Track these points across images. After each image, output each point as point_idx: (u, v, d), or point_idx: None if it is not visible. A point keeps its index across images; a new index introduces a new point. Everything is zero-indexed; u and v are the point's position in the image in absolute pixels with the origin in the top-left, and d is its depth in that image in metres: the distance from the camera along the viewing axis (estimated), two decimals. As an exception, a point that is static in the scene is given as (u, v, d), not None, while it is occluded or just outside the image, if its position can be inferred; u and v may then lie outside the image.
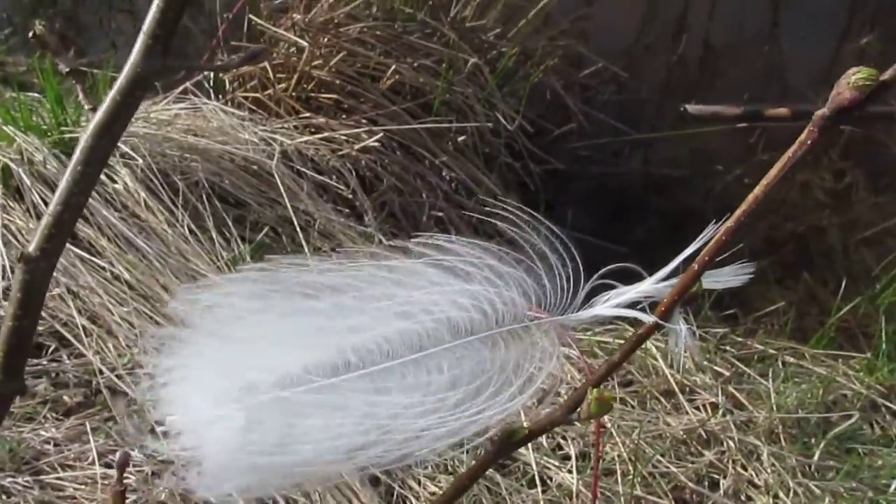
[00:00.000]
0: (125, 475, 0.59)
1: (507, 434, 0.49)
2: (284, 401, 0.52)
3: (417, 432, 0.51)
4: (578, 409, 0.49)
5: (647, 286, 0.51)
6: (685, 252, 0.50)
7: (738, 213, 0.47)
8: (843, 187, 2.52)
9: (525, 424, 0.50)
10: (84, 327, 1.65)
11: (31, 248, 0.44)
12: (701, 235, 0.50)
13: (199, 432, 0.53)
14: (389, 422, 0.52)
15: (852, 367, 2.11)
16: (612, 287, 0.52)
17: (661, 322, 0.49)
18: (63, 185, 0.44)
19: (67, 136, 1.81)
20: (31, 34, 0.49)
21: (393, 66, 2.08)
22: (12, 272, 1.69)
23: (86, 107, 0.46)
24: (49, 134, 1.81)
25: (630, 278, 0.52)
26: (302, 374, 0.53)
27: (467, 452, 1.70)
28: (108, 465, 1.52)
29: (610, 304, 0.52)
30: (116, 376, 1.62)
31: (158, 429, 0.57)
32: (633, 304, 0.51)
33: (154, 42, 0.43)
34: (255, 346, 0.55)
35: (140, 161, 1.80)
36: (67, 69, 0.54)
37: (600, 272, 0.52)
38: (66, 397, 1.62)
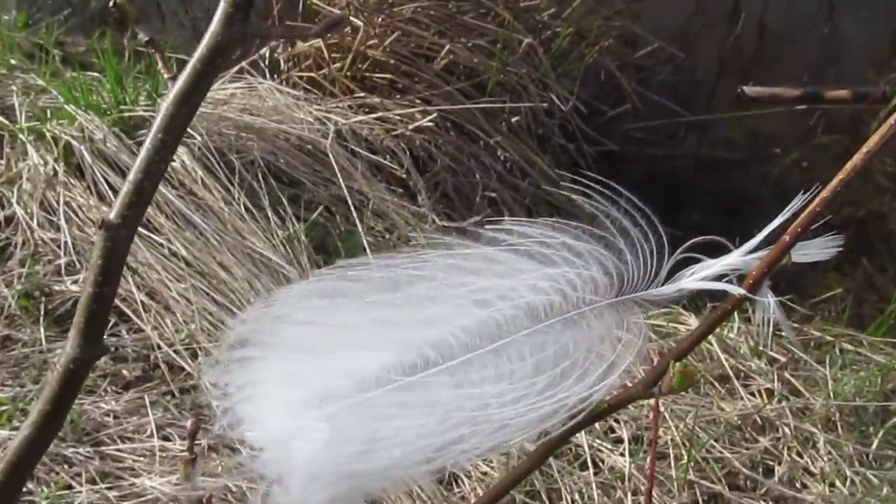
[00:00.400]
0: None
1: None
2: (365, 404, 0.51)
3: (507, 421, 0.50)
4: (659, 384, 0.48)
5: (734, 259, 0.50)
6: (772, 224, 0.49)
7: (834, 182, 0.46)
8: (905, 172, 2.46)
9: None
10: (143, 303, 1.68)
11: (112, 215, 0.45)
12: (789, 206, 0.48)
13: (281, 447, 0.52)
14: (478, 413, 0.51)
15: (912, 356, 2.06)
16: (697, 261, 0.50)
17: (748, 295, 0.48)
18: (143, 153, 0.44)
19: (127, 114, 1.84)
20: (111, 3, 0.50)
21: (447, 46, 2.08)
22: (74, 247, 1.72)
23: (165, 76, 0.47)
24: (109, 113, 1.84)
25: (715, 253, 0.51)
26: (380, 374, 0.52)
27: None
28: (166, 438, 1.55)
29: (696, 277, 0.51)
30: (174, 352, 1.64)
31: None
32: (719, 278, 0.50)
33: (234, 10, 0.43)
34: (328, 351, 0.54)
35: (197, 139, 1.82)
36: (147, 38, 0.55)
37: (684, 245, 0.50)
38: (125, 371, 1.65)
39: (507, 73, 2.18)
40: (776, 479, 1.71)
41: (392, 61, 2.05)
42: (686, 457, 1.68)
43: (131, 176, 0.45)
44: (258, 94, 2.02)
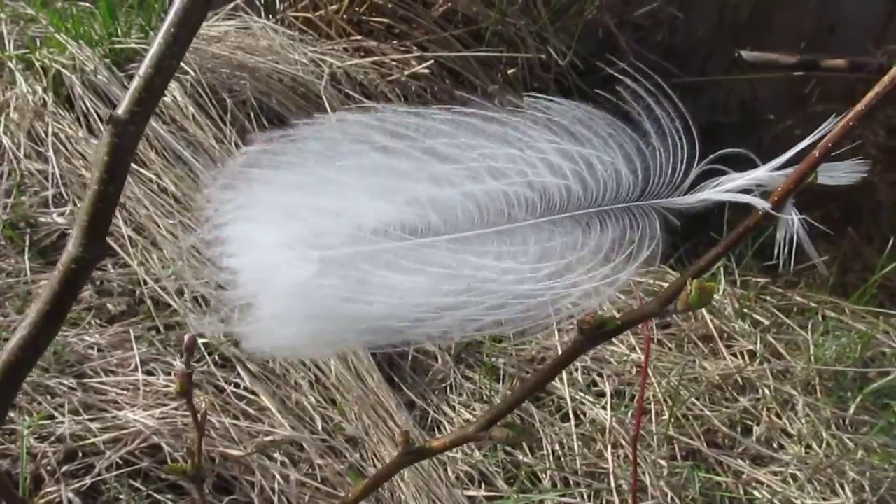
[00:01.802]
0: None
1: (599, 323, 0.48)
2: (360, 251, 0.49)
3: (507, 299, 0.49)
4: (675, 301, 0.48)
5: (761, 173, 0.49)
6: (804, 142, 0.48)
7: (870, 95, 0.45)
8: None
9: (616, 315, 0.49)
10: (130, 238, 1.66)
11: (121, 110, 0.43)
12: (823, 125, 0.48)
13: (262, 274, 0.50)
14: (479, 285, 0.49)
15: (892, 326, 2.09)
16: (724, 173, 0.50)
17: (773, 211, 0.48)
18: (155, 47, 0.43)
19: (118, 46, 1.81)
20: None
21: (446, -7, 2.05)
22: (62, 178, 1.70)
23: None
24: (100, 44, 1.81)
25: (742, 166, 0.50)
26: (378, 227, 0.49)
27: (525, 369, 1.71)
28: (150, 373, 1.54)
29: (721, 188, 0.50)
30: (160, 288, 1.63)
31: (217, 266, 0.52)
32: (744, 192, 0.49)
33: None
34: (329, 191, 0.51)
35: (190, 75, 1.79)
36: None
37: (712, 156, 0.50)
38: (109, 305, 1.64)
39: (505, 24, 2.15)
40: (754, 438, 1.73)
41: (390, 5, 2.02)
42: (667, 413, 1.70)
43: (141, 70, 0.43)
44: (252, 33, 1.99)
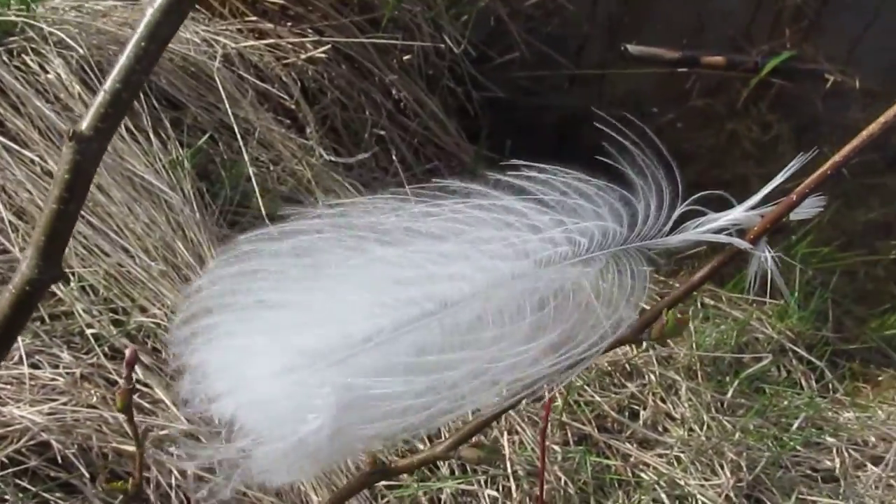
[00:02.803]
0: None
1: None
2: (360, 364, 0.47)
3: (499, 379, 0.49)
4: (649, 329, 0.49)
5: (738, 214, 0.52)
6: (774, 181, 0.51)
7: (848, 147, 0.47)
8: (768, 139, 2.60)
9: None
10: (10, 223, 1.57)
11: (84, 126, 0.41)
12: (788, 167, 0.50)
13: (265, 414, 0.47)
14: (474, 375, 0.49)
15: (765, 313, 2.20)
16: (703, 213, 0.52)
17: (751, 249, 0.50)
18: (123, 60, 0.41)
19: (-4, 17, 1.70)
20: None
21: (343, -24, 2.02)
22: (-65, 158, 1.59)
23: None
24: (-25, 14, 1.70)
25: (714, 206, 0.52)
26: (371, 332, 0.47)
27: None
28: (36, 366, 1.47)
29: (701, 229, 0.52)
30: (44, 275, 1.55)
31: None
32: (720, 231, 0.51)
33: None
34: (319, 305, 0.49)
35: (75, 52, 1.71)
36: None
37: (690, 199, 0.52)
38: (-12, 294, 1.55)
39: (401, 10, 2.14)
40: (641, 422, 1.80)
41: (286, -14, 1.98)
42: (560, 400, 1.75)
43: (107, 85, 0.41)
44: (141, 8, 1.91)
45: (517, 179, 0.52)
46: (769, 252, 0.50)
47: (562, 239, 0.51)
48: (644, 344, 1.95)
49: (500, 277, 0.50)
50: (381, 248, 0.50)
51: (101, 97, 0.41)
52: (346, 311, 0.48)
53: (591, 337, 0.51)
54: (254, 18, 1.96)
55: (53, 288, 1.55)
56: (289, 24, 2.00)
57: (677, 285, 2.22)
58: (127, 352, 0.54)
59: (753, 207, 0.52)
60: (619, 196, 0.53)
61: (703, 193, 0.53)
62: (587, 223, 0.51)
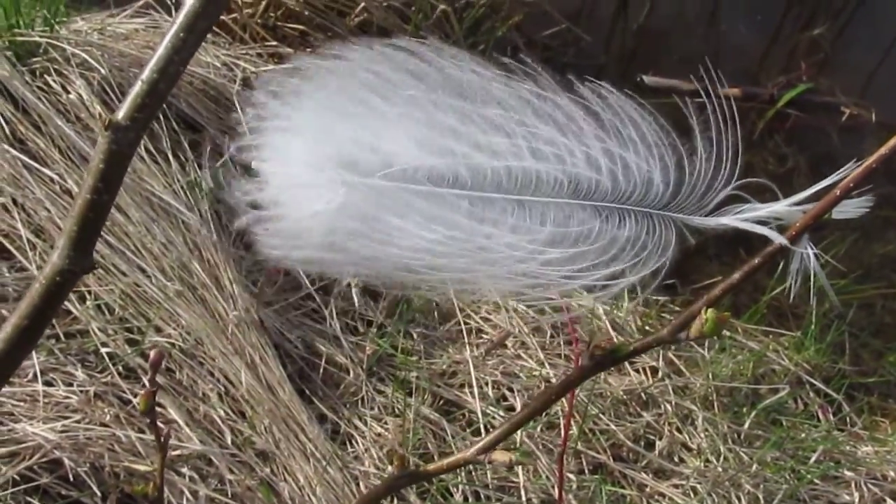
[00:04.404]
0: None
1: (612, 349, 0.48)
2: (385, 191, 0.50)
3: (509, 275, 0.50)
4: (687, 329, 0.48)
5: (781, 207, 0.51)
6: (825, 181, 0.50)
7: (892, 141, 0.47)
8: (784, 171, 2.59)
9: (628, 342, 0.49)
10: (28, 240, 1.58)
11: (120, 115, 0.41)
12: (842, 169, 0.49)
13: (288, 188, 0.51)
14: (483, 253, 0.50)
15: (781, 345, 2.18)
16: (747, 201, 0.51)
17: (789, 245, 0.49)
18: (161, 51, 0.41)
19: (20, 39, 1.72)
20: None
21: (362, 4, 2.03)
22: (-44, 175, 1.60)
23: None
24: (1, 36, 1.71)
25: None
26: (408, 169, 0.50)
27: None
28: (49, 384, 1.46)
29: (741, 216, 0.51)
30: (61, 293, 1.55)
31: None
32: (761, 223, 0.51)
33: None
34: (372, 125, 0.52)
35: (97, 73, 1.72)
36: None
37: (737, 183, 0.51)
38: (5, 311, 1.55)
39: (419, 38, 2.15)
40: (657, 452, 1.78)
41: (306, 13, 2.00)
42: (575, 428, 1.73)
43: (145, 74, 0.41)
44: (162, 31, 1.92)
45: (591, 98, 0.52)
46: (812, 249, 0.49)
47: (605, 170, 0.51)
48: (660, 373, 1.93)
49: (533, 180, 0.51)
50: (447, 97, 0.52)
51: (138, 87, 0.41)
52: (392, 138, 0.51)
53: (607, 269, 0.51)
54: (274, 43, 1.98)
55: (69, 306, 1.55)
56: (308, 49, 2.01)
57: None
58: (152, 353, 0.54)
59: (798, 204, 0.51)
60: (674, 151, 0.52)
61: (748, 180, 0.52)
62: (635, 165, 0.51)
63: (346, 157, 0.50)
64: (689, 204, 0.52)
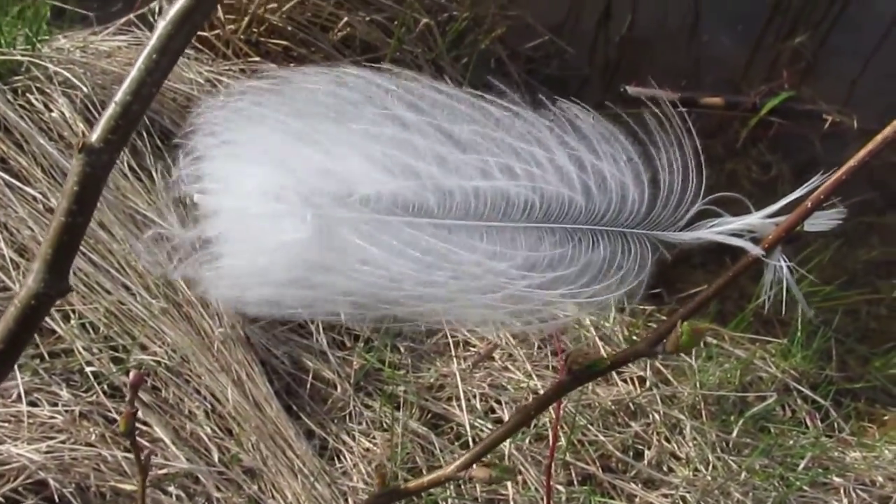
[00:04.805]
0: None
1: (589, 364, 0.48)
2: (355, 218, 0.47)
3: (480, 306, 0.49)
4: (664, 342, 0.48)
5: (754, 219, 0.51)
6: (796, 192, 0.50)
7: (861, 153, 0.47)
8: (768, 179, 2.61)
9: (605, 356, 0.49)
10: (12, 260, 1.57)
11: (94, 138, 0.41)
12: (812, 180, 0.50)
13: (242, 223, 0.47)
14: (456, 280, 0.48)
15: (768, 352, 2.19)
16: (719, 215, 0.51)
17: (763, 256, 0.49)
18: (134, 73, 0.41)
19: (1, 57, 1.71)
20: None
21: (345, 18, 2.04)
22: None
23: (163, -4, 0.43)
24: (-19, 54, 1.71)
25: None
26: (374, 195, 0.47)
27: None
28: (34, 404, 1.45)
29: (716, 229, 0.51)
30: (45, 312, 1.54)
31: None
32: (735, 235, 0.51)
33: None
34: (328, 146, 0.48)
35: (80, 91, 1.72)
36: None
37: (708, 198, 0.51)
38: (-12, 331, 1.54)
39: (402, 51, 2.16)
40: (645, 462, 1.78)
41: (289, 28, 2.00)
42: (564, 439, 1.73)
43: (118, 97, 0.41)
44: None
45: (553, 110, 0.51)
46: (785, 261, 0.50)
47: (579, 186, 0.50)
48: (647, 382, 1.94)
49: (504, 201, 0.49)
50: (407, 112, 0.49)
51: (111, 109, 0.41)
52: (351, 163, 0.48)
53: (586, 290, 0.50)
54: (257, 59, 1.98)
55: (53, 325, 1.54)
56: (291, 64, 2.01)
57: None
58: (132, 374, 0.54)
59: (770, 216, 0.51)
60: (645, 168, 0.52)
61: (721, 195, 0.53)
62: (608, 177, 0.50)
63: (307, 185, 0.47)
64: (663, 219, 0.52)
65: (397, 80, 0.51)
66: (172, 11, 0.40)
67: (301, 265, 0.47)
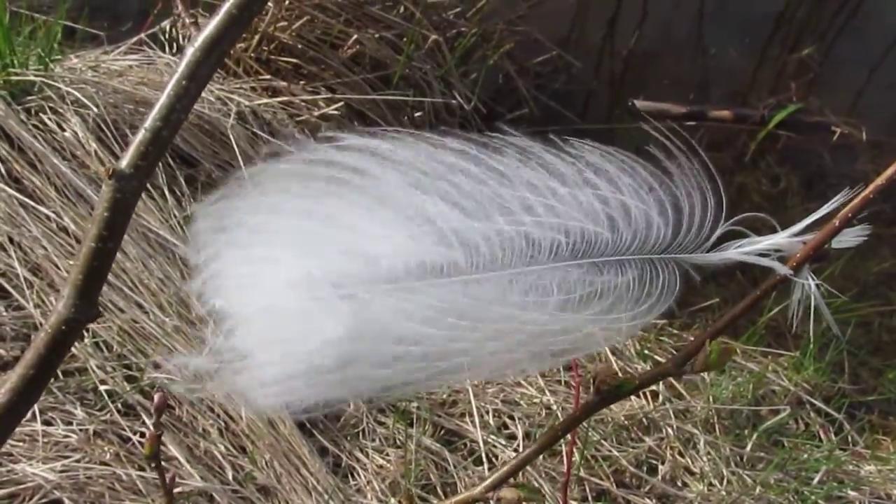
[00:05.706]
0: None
1: (616, 384, 0.48)
2: (388, 295, 0.44)
3: (513, 356, 0.48)
4: (691, 361, 0.48)
5: (780, 239, 0.51)
6: (821, 210, 0.50)
7: (890, 170, 0.47)
8: (777, 191, 2.61)
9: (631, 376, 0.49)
10: (25, 279, 1.57)
11: (124, 164, 0.41)
12: (836, 198, 0.50)
13: (276, 324, 0.44)
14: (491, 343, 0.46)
15: (781, 365, 2.18)
16: (744, 234, 0.51)
17: (792, 276, 0.49)
18: (164, 99, 0.41)
19: (15, 78, 1.72)
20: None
21: (354, 36, 2.05)
22: (-48, 216, 1.60)
23: (186, 20, 0.43)
24: (-6, 75, 1.72)
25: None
26: (401, 266, 0.44)
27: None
28: (48, 423, 1.46)
29: (743, 249, 0.51)
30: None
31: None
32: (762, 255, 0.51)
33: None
34: (348, 220, 0.45)
35: (92, 111, 1.73)
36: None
37: (734, 219, 0.51)
38: (2, 351, 1.54)
39: (412, 68, 2.17)
40: (659, 477, 1.77)
41: (299, 46, 2.01)
42: (577, 455, 1.72)
43: (148, 123, 0.41)
44: (156, 68, 1.94)
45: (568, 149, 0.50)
46: (813, 279, 0.50)
47: (604, 220, 0.49)
48: (660, 397, 1.93)
49: (529, 253, 0.48)
50: (418, 176, 0.47)
51: (141, 135, 0.42)
52: (373, 240, 0.45)
53: (617, 320, 0.49)
54: (267, 77, 1.99)
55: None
56: (302, 82, 2.02)
57: (692, 338, 2.21)
58: (156, 397, 0.54)
59: (797, 235, 0.51)
60: (668, 196, 0.51)
61: (746, 215, 0.53)
62: (632, 209, 0.50)
63: (332, 268, 0.44)
64: (688, 243, 0.52)
65: (401, 139, 0.49)
66: (201, 38, 0.40)
67: (344, 358, 0.44)
